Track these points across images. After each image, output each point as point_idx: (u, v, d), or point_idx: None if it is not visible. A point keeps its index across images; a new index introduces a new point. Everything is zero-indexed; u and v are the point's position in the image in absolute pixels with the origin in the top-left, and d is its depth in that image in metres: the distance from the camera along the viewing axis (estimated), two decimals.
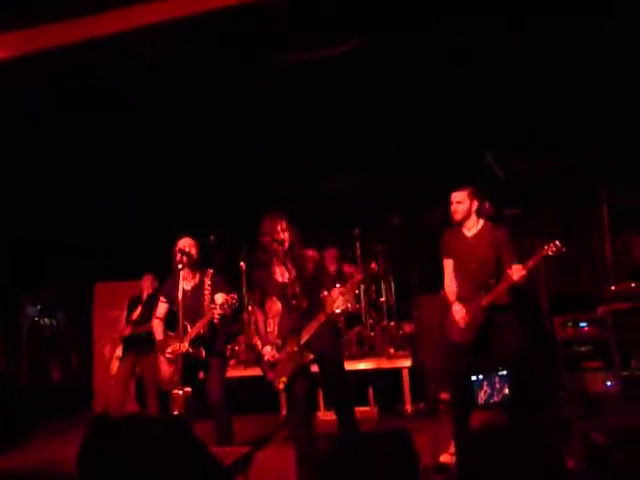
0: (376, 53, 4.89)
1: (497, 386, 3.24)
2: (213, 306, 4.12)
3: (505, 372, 3.21)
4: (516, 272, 3.64)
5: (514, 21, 4.61)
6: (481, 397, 3.19)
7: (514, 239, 3.92)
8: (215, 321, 4.11)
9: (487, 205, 4.06)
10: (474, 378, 3.18)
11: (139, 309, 5.76)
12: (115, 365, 5.81)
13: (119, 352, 5.75)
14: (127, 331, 5.71)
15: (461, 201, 3.95)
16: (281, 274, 3.90)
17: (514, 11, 4.48)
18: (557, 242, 3.60)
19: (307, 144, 6.35)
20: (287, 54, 4.75)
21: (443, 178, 6.53)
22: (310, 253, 3.95)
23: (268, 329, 3.97)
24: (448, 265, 4.12)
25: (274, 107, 5.70)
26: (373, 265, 4.21)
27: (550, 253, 3.62)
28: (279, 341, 3.87)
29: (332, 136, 6.22)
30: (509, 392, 3.22)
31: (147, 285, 5.89)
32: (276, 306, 4.09)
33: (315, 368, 3.94)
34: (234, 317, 4.89)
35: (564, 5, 4.41)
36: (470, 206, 3.95)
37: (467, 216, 3.96)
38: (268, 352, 3.85)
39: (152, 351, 4.68)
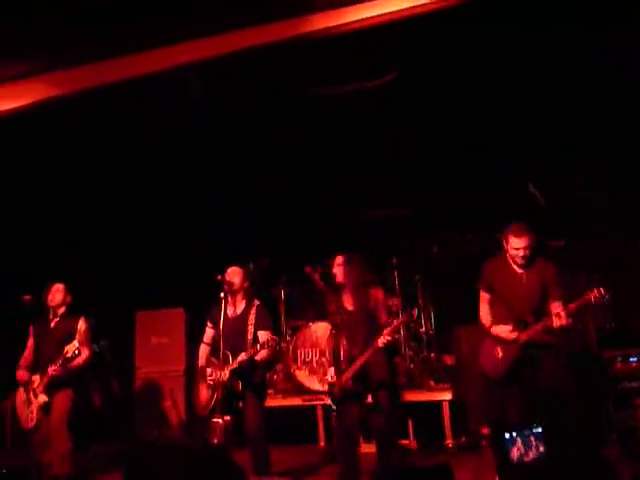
0: (418, 84, 4.92)
1: (531, 444, 3.16)
2: (257, 348, 4.18)
3: (540, 429, 3.14)
4: (557, 319, 3.58)
5: (551, 46, 4.58)
6: (514, 455, 3.11)
7: (558, 272, 3.86)
8: (257, 359, 4.22)
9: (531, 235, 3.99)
10: (507, 436, 3.11)
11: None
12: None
13: (42, 398, 4.61)
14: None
15: (523, 246, 3.82)
16: (349, 302, 4.28)
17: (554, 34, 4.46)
18: (602, 289, 3.50)
19: (352, 174, 6.39)
20: (334, 87, 4.84)
21: (483, 207, 6.50)
22: (376, 291, 4.29)
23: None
24: (484, 298, 4.10)
25: (320, 136, 5.77)
26: (414, 312, 4.52)
27: (593, 300, 3.51)
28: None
29: (375, 166, 6.25)
30: (544, 448, 3.14)
31: (57, 299, 4.88)
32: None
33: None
34: (275, 352, 4.94)
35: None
36: (530, 244, 3.85)
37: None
38: (331, 375, 4.10)
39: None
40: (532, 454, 3.10)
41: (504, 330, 3.86)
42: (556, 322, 3.58)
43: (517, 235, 3.85)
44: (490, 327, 3.98)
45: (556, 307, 3.75)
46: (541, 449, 3.09)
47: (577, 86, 4.98)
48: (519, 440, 3.09)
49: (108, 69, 4.43)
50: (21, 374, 4.79)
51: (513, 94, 5.15)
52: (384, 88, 4.78)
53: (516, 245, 3.85)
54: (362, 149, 6.02)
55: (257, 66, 4.51)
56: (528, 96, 5.12)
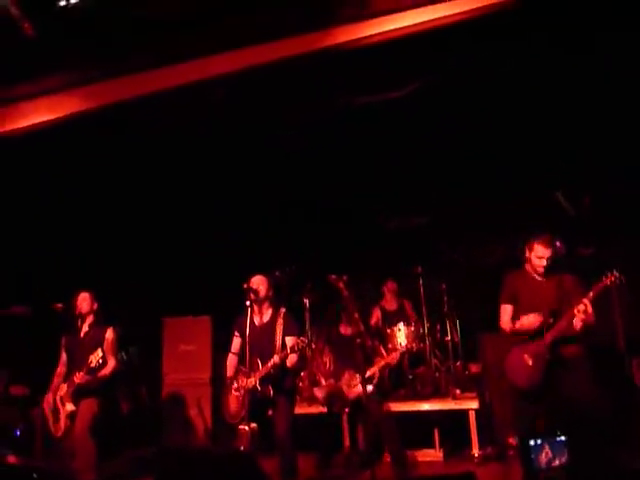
0: (438, 94, 4.94)
1: (558, 449, 3.17)
2: (287, 352, 4.20)
3: (564, 437, 3.16)
4: (580, 306, 3.61)
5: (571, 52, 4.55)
6: (542, 461, 3.12)
7: (588, 280, 3.86)
8: (288, 365, 4.25)
9: (559, 244, 4.02)
10: (532, 443, 3.13)
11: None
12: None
13: (70, 407, 4.64)
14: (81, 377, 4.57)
15: (547, 257, 3.91)
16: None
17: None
18: (615, 272, 3.57)
19: (371, 183, 6.41)
20: (351, 98, 4.88)
21: (508, 216, 6.46)
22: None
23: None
24: (507, 310, 4.09)
25: (340, 147, 5.80)
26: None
27: (609, 283, 3.60)
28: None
29: (395, 175, 6.26)
30: (570, 455, 3.15)
31: (84, 307, 4.97)
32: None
33: None
34: (302, 358, 4.99)
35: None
36: (552, 255, 3.94)
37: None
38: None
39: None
40: (559, 461, 3.11)
41: (529, 319, 3.85)
42: (578, 309, 3.59)
43: (545, 245, 3.93)
44: (513, 327, 3.97)
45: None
46: (564, 458, 3.11)
47: (604, 95, 4.93)
48: (547, 446, 3.11)
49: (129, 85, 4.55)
50: (54, 387, 4.86)
51: (538, 102, 5.12)
52: (406, 98, 4.80)
53: (541, 254, 3.93)
54: (388, 158, 6.04)
55: (279, 79, 4.56)
56: (554, 104, 5.08)
